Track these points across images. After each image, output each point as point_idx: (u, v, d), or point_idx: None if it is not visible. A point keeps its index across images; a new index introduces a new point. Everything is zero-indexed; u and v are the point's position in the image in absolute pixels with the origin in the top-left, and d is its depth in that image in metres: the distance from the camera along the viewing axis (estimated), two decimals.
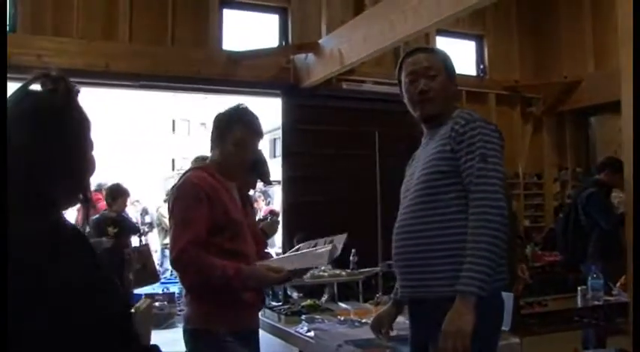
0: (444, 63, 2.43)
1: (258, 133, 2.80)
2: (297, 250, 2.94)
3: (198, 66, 7.28)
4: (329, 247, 2.70)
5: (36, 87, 1.36)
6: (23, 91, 1.35)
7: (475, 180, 2.15)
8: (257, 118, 2.80)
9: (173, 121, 34.35)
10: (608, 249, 5.18)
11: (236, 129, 2.72)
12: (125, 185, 7.04)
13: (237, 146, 2.72)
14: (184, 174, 2.76)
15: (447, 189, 2.22)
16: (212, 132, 2.80)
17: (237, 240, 2.63)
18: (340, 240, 2.78)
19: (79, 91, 1.40)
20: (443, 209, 2.21)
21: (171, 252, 2.55)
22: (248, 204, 2.97)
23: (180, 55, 7.27)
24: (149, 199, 14.58)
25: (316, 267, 2.76)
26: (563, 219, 5.93)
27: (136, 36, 7.16)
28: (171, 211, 2.63)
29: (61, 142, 1.32)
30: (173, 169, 28.51)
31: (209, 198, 2.57)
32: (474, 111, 2.37)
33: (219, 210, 2.58)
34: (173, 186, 2.77)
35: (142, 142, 29.98)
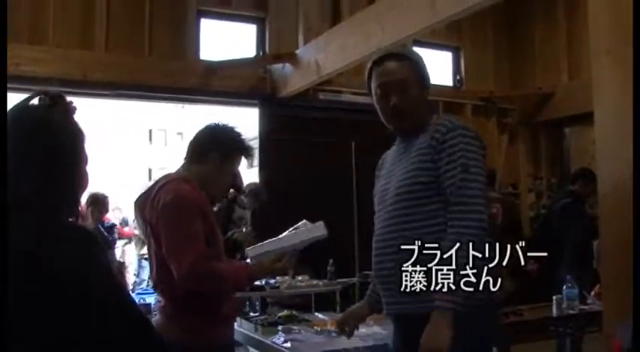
0: (416, 71, 2.33)
1: (244, 155, 2.75)
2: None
3: (175, 76, 7.24)
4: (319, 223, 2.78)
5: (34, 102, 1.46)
6: (21, 106, 1.43)
7: (456, 191, 2.10)
8: (242, 137, 2.74)
9: (150, 131, 34.15)
10: (582, 258, 5.23)
11: (223, 150, 2.65)
12: (100, 193, 6.86)
13: (221, 168, 2.66)
14: (164, 185, 2.55)
15: (428, 201, 2.15)
16: (193, 146, 2.69)
17: (218, 258, 2.53)
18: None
19: (75, 109, 1.48)
20: (423, 221, 2.15)
21: (179, 269, 2.36)
22: None
23: (158, 65, 7.23)
24: (127, 210, 14.40)
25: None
26: (538, 229, 5.98)
27: (113, 45, 7.11)
28: (166, 225, 2.44)
29: (53, 154, 1.38)
30: (150, 179, 28.29)
31: (202, 214, 2.47)
32: (454, 118, 2.30)
33: (207, 226, 2.48)
34: (154, 198, 2.53)
35: (119, 152, 29.76)
